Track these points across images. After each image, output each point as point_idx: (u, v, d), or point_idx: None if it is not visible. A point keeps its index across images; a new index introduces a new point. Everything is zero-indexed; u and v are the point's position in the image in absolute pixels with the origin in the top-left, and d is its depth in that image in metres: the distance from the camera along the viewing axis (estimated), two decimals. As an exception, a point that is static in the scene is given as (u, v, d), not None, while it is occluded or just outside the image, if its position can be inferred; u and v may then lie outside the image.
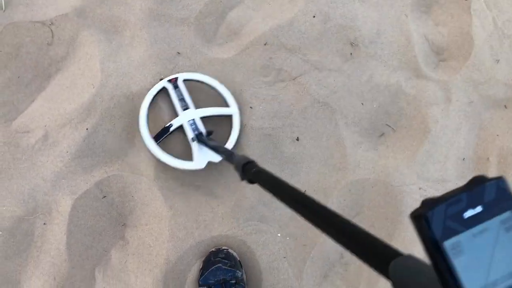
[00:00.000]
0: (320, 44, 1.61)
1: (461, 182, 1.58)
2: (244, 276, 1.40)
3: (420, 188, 1.55)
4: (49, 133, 1.45)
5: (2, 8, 1.50)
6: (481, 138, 1.65)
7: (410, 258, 0.44)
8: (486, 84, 1.69)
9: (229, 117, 1.53)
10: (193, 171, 1.47)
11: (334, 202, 1.51)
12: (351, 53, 1.63)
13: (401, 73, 1.65)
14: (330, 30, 1.62)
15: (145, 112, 1.48)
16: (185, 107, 1.48)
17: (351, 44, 1.63)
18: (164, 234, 1.42)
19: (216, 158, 1.45)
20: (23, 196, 1.41)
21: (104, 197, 1.44)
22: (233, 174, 1.49)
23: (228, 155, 1.05)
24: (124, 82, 1.49)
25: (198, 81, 1.55)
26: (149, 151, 1.47)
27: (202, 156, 1.45)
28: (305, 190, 1.51)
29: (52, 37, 1.53)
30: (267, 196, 1.49)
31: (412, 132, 1.61)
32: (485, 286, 0.33)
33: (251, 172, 0.83)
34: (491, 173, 1.62)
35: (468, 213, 0.35)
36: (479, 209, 0.36)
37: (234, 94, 1.54)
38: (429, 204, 0.36)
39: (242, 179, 0.89)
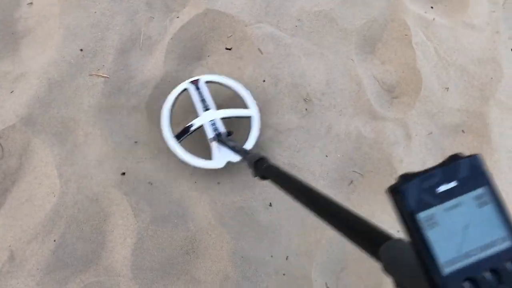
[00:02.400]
0: (275, 106, 1.62)
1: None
2: None
3: (398, 231, 1.56)
4: (15, 253, 1.39)
5: None
6: (446, 167, 1.68)
7: (399, 241, 0.46)
8: (440, 114, 1.73)
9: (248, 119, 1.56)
10: (213, 170, 1.50)
11: (318, 263, 1.50)
12: (306, 109, 1.65)
13: (357, 119, 1.67)
14: (282, 91, 1.63)
15: (167, 112, 1.52)
16: (206, 108, 1.52)
17: (305, 100, 1.65)
18: (153, 335, 1.38)
19: (235, 158, 1.47)
20: (-3, 326, 1.34)
21: (84, 307, 1.38)
22: (210, 256, 1.46)
23: (243, 154, 1.08)
24: (84, 184, 1.45)
25: (219, 83, 1.58)
26: (170, 150, 1.49)
27: (222, 156, 1.48)
28: (287, 256, 1.49)
29: (2, 150, 1.48)
30: (250, 270, 1.46)
31: (380, 175, 1.63)
32: (457, 257, 0.36)
33: (262, 168, 0.86)
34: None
35: (442, 188, 0.38)
36: (453, 184, 0.39)
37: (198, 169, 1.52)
38: (405, 178, 0.39)
39: (255, 175, 0.91)
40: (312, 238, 1.52)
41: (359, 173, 1.63)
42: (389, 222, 1.57)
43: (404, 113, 1.70)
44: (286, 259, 1.50)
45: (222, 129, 1.50)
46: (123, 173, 1.48)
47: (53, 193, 1.43)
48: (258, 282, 1.46)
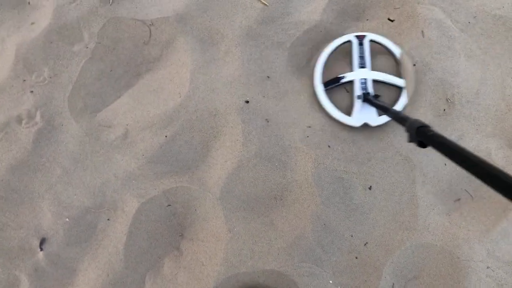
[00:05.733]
0: (415, 94, 1.53)
1: (534, 270, 1.48)
2: None
3: (488, 267, 1.46)
4: (129, 133, 1.48)
5: (109, 2, 1.53)
6: None
7: None
8: None
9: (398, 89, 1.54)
10: (348, 126, 1.50)
11: (393, 261, 1.46)
12: (444, 109, 1.54)
13: (493, 140, 1.55)
14: (428, 82, 1.54)
15: (325, 57, 1.53)
16: (362, 66, 1.52)
17: (447, 100, 1.55)
18: (219, 256, 1.43)
19: (374, 121, 1.48)
20: (94, 189, 1.45)
21: (169, 205, 1.46)
22: (295, 210, 1.46)
23: (399, 117, 1.07)
24: (210, 97, 1.49)
25: (383, 46, 1.56)
26: (315, 94, 1.52)
27: (361, 116, 1.48)
28: (367, 243, 1.46)
29: (150, 37, 1.54)
30: (326, 240, 1.45)
31: (492, 205, 1.51)
32: None
33: (426, 135, 0.85)
34: None
35: None
36: None
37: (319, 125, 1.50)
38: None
39: (411, 141, 0.92)
40: (398, 236, 1.47)
41: (470, 195, 1.52)
42: (481, 255, 1.47)
43: (545, 155, 1.55)
44: (365, 245, 1.46)
45: (370, 90, 1.48)
46: (247, 102, 1.49)
47: (179, 93, 1.49)
48: (329, 253, 1.45)
